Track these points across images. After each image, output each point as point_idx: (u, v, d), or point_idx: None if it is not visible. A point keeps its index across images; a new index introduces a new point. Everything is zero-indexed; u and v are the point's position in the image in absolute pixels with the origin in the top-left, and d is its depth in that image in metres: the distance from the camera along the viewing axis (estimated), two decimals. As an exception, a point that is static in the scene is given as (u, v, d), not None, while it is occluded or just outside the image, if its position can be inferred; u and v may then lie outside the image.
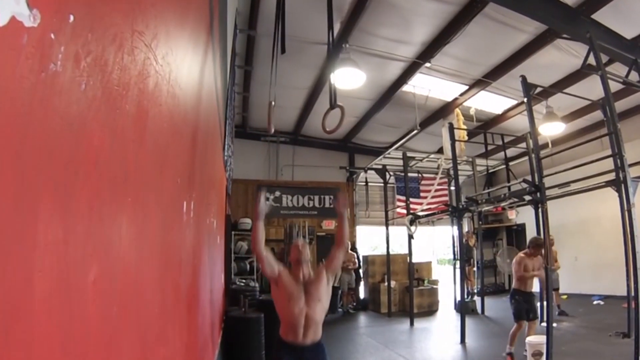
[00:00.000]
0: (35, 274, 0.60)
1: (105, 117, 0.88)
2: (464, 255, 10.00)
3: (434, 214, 11.73)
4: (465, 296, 10.09)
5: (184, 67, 2.02)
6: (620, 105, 9.73)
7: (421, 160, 13.73)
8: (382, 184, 13.46)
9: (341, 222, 3.90)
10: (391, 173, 13.62)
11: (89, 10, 0.78)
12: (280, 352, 3.64)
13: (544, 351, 5.90)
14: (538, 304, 7.71)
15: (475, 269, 13.84)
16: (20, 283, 0.56)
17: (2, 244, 0.52)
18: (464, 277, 9.47)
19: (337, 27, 8.20)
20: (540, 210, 6.61)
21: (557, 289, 10.13)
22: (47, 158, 0.64)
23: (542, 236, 6.60)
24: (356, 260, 13.02)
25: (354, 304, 13.21)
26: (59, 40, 0.66)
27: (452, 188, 14.04)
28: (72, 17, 0.71)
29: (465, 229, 14.29)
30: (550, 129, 9.69)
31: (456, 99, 11.31)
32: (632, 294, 5.81)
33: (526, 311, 6.63)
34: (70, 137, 0.71)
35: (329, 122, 4.50)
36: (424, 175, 14.36)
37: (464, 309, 8.78)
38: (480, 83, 10.28)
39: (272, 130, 4.82)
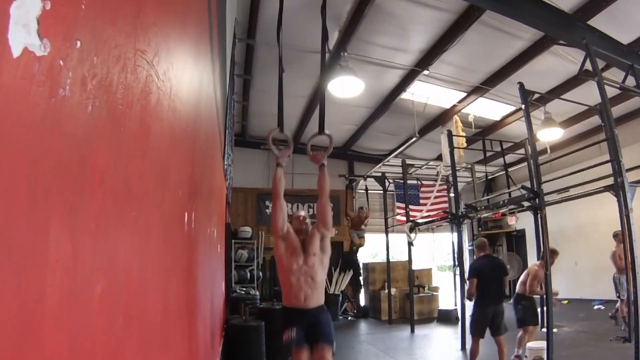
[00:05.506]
0: (47, 288, 0.63)
1: (110, 136, 0.91)
2: (462, 262, 9.92)
3: (433, 221, 11.73)
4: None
5: (185, 80, 2.06)
6: (618, 110, 9.77)
7: (420, 168, 13.76)
8: (382, 192, 13.48)
9: (321, 174, 4.28)
10: (390, 180, 13.64)
11: (94, 34, 0.81)
12: (287, 319, 3.89)
13: (545, 357, 5.92)
14: (539, 309, 7.71)
15: None
16: (34, 297, 0.60)
17: (18, 261, 0.55)
18: (463, 282, 9.44)
19: (335, 36, 8.26)
20: (539, 216, 6.62)
21: None
22: (56, 179, 0.67)
23: (541, 242, 6.62)
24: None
25: (355, 311, 13.20)
26: (67, 66, 0.69)
27: (452, 195, 14.07)
28: (78, 43, 0.73)
29: (467, 243, 14.26)
30: (549, 135, 9.76)
31: (455, 105, 11.36)
32: (632, 298, 5.82)
33: (530, 317, 6.69)
34: (77, 157, 0.75)
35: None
36: (423, 182, 14.37)
37: (464, 315, 8.76)
38: (478, 90, 10.33)
39: None
